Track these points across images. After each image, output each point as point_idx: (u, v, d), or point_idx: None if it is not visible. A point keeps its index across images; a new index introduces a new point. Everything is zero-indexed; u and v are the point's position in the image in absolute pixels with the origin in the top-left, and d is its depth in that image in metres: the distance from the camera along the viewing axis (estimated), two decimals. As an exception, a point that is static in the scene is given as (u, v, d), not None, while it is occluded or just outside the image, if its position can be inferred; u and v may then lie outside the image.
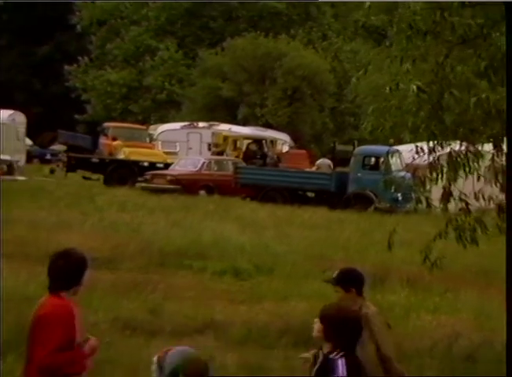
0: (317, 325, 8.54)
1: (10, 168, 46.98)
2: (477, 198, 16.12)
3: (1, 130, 50.32)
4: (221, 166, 47.11)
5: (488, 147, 16.15)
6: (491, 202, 16.12)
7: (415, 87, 15.57)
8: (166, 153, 51.99)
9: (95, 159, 52.89)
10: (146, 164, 49.09)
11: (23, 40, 79.48)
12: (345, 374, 8.21)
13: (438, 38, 15.73)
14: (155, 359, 9.92)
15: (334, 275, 10.78)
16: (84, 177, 49.83)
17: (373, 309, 10.77)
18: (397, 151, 37.97)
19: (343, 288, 10.67)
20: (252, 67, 64.68)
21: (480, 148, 16.04)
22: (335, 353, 8.32)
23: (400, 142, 23.39)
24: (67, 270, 8.91)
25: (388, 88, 15.84)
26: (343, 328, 8.43)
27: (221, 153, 50.39)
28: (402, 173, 37.41)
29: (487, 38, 15.01)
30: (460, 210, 16.14)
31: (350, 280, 10.71)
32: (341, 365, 8.19)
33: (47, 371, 8.59)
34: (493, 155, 16.05)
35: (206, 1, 70.21)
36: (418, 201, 17.27)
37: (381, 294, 19.75)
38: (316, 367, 8.61)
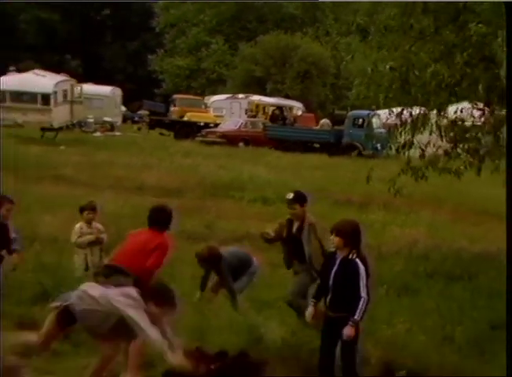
0: (335, 239, 8.68)
1: (112, 127, 47.40)
2: (426, 147, 16.14)
3: (105, 101, 50.84)
4: (254, 125, 46.88)
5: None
6: (440, 149, 16.13)
7: (388, 67, 15.58)
8: (216, 116, 51.77)
9: (168, 121, 53.06)
10: (202, 124, 48.90)
11: (121, 38, 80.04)
12: (363, 268, 8.61)
13: (405, 34, 15.67)
14: None
15: (291, 196, 11.45)
16: (160, 133, 49.72)
17: (313, 218, 11.53)
18: (377, 114, 37.86)
19: (300, 205, 11.43)
20: (276, 55, 64.64)
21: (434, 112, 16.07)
22: (351, 254, 8.62)
23: (380, 107, 23.34)
24: (168, 219, 10.05)
25: (370, 69, 15.93)
26: (354, 235, 8.70)
27: (254, 116, 50.32)
28: (380, 130, 37.68)
29: (440, 34, 14.89)
30: (420, 155, 16.19)
31: (304, 198, 11.46)
32: (360, 263, 8.59)
33: (149, 273, 9.59)
34: (438, 117, 16.03)
35: (247, 0, 71.54)
36: (391, 149, 17.37)
37: (365, 215, 20.24)
38: (336, 268, 8.74)
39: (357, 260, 8.59)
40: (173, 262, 11.92)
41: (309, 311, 8.95)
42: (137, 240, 9.83)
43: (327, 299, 8.71)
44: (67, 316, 8.02)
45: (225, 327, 10.43)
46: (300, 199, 11.50)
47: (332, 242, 8.80)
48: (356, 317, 8.44)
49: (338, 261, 8.65)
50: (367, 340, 9.97)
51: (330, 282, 8.65)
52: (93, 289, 8.46)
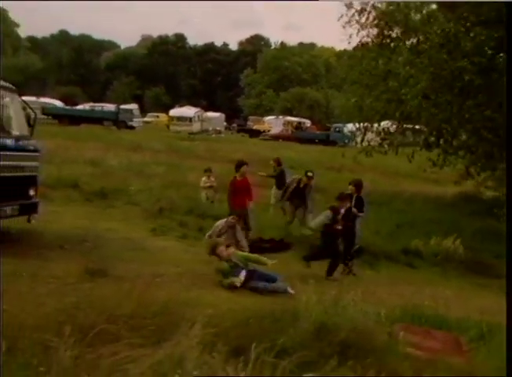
0: (352, 188, 8.81)
1: (220, 132, 46.96)
2: (370, 141, 15.77)
3: (217, 120, 50.24)
4: (287, 131, 45.79)
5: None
6: (376, 142, 15.73)
7: (353, 101, 15.13)
8: (269, 126, 50.41)
9: (246, 128, 52.15)
10: (262, 130, 47.84)
11: (225, 90, 77.41)
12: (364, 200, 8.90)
13: (360, 86, 15.12)
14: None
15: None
16: (242, 135, 48.78)
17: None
18: (346, 125, 37.08)
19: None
20: (297, 98, 63.69)
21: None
22: (360, 195, 8.79)
23: (349, 121, 22.88)
24: (243, 164, 9.22)
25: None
26: (360, 186, 8.95)
27: (299, 128, 48.99)
28: (348, 134, 36.99)
29: (376, 87, 14.38)
30: (368, 145, 15.83)
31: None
32: (364, 198, 8.88)
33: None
34: (378, 126, 15.63)
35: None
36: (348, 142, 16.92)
37: (340, 174, 19.09)
38: (354, 202, 8.67)
39: (363, 197, 8.94)
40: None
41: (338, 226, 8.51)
42: (244, 187, 9.20)
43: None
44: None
45: (273, 228, 10.43)
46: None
47: (350, 189, 8.88)
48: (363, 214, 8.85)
49: (354, 198, 8.79)
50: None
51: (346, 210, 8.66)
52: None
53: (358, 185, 8.90)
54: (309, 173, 10.46)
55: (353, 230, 8.65)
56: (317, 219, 8.55)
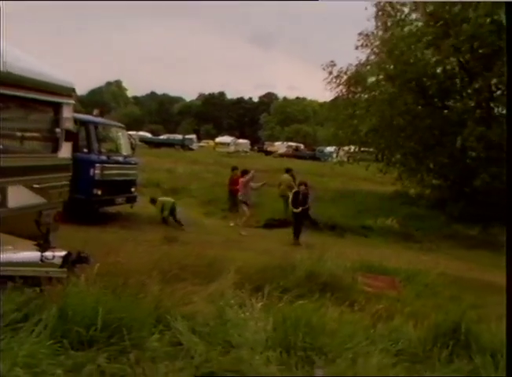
0: (302, 187, 7.94)
1: (246, 152, 43.70)
2: (342, 156, 15.32)
3: (245, 144, 47.34)
4: (289, 151, 43.79)
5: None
6: (345, 157, 15.28)
7: (332, 130, 14.71)
8: (277, 148, 47.51)
9: (264, 149, 48.53)
10: (273, 151, 45.50)
11: (248, 126, 70.75)
12: (309, 195, 7.79)
13: (336, 121, 14.20)
14: None
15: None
16: (261, 154, 45.45)
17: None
18: (326, 148, 35.83)
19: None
20: (295, 131, 60.89)
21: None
22: (307, 191, 7.89)
23: (328, 145, 21.91)
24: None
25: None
26: (307, 185, 7.98)
27: (288, 149, 46.83)
28: (327, 153, 35.73)
29: (348, 120, 13.27)
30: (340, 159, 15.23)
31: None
32: (309, 194, 7.93)
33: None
34: (347, 148, 14.73)
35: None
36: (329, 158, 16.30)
37: (321, 178, 16.69)
38: (301, 196, 7.83)
39: (309, 194, 8.08)
40: (262, 192, 10.81)
41: (297, 210, 7.91)
42: (236, 180, 8.70)
43: (297, 204, 7.90)
44: None
45: (281, 212, 9.79)
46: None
47: (301, 188, 8.06)
48: (307, 206, 7.92)
49: (301, 193, 7.91)
50: (319, 216, 9.41)
51: (300, 199, 7.93)
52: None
53: (306, 185, 8.19)
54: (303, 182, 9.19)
55: (307, 212, 8.11)
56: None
